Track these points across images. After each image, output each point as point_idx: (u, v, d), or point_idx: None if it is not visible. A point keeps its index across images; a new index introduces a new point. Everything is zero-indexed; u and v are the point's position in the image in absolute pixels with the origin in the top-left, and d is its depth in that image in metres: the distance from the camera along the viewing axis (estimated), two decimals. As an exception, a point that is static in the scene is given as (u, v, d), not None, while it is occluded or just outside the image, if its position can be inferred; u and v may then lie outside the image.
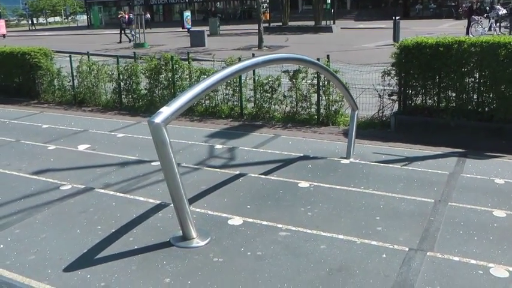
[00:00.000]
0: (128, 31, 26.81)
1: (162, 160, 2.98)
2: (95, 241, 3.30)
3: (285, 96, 8.77)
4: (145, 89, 9.84)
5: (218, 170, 5.29)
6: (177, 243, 3.15)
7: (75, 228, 3.53)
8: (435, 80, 7.27)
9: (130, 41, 26.18)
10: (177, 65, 9.42)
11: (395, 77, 7.70)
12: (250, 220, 3.55)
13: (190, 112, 9.49)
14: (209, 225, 3.46)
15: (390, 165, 5.81)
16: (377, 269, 2.90)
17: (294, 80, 8.57)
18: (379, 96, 8.01)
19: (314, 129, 8.14)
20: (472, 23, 21.47)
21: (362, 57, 15.11)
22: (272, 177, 4.88)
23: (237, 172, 5.04)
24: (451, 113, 7.22)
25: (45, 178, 4.84)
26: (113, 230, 3.44)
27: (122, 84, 10.01)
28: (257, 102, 8.98)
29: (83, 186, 4.41)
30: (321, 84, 8.35)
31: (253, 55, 5.79)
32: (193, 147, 6.61)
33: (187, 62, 9.54)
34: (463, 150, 6.60)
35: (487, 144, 6.80)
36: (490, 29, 20.98)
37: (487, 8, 25.31)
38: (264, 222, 3.51)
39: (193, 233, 3.16)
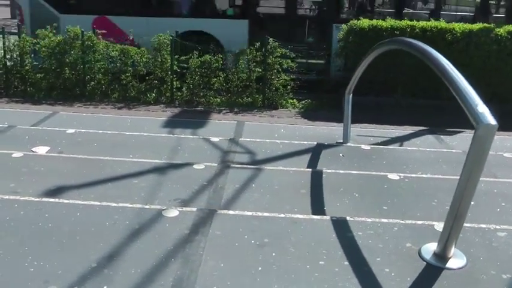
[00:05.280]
0: None
1: (473, 171, 2.40)
2: (320, 278, 2.56)
3: (225, 78, 8.14)
4: (44, 70, 7.96)
5: (281, 168, 4.65)
6: (444, 265, 2.67)
7: (253, 265, 2.68)
8: (387, 61, 7.62)
9: None
10: (89, 42, 7.82)
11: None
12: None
13: (105, 98, 8.11)
14: (418, 237, 3.03)
15: (400, 148, 5.98)
16: None
17: (238, 62, 8.02)
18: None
19: (268, 113, 7.80)
20: None
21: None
22: (352, 172, 4.51)
23: (309, 170, 4.53)
24: (401, 92, 7.71)
25: (79, 202, 3.39)
26: (321, 263, 2.71)
27: (10, 64, 7.90)
28: (191, 86, 8.13)
29: (194, 209, 3.35)
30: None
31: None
32: (186, 142, 5.66)
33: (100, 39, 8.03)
34: (427, 128, 7.14)
35: (439, 120, 7.47)
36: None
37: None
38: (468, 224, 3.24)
39: (452, 252, 2.74)
